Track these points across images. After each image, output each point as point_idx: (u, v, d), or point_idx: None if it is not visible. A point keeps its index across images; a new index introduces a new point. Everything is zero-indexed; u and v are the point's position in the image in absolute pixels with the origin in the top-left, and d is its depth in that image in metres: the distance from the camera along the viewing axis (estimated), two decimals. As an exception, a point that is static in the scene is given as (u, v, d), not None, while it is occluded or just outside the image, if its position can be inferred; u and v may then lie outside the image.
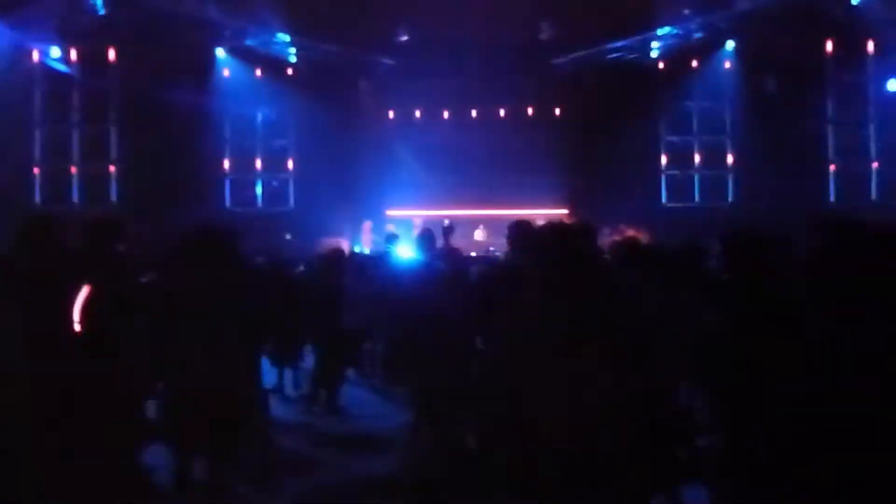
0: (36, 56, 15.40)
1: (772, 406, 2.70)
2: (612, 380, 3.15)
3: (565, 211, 15.24)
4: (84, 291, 4.34)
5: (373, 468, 5.89)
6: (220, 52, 16.31)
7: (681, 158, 17.22)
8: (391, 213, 16.32)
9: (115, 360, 4.38)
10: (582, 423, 3.14)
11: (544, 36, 15.74)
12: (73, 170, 16.46)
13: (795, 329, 2.72)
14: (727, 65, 16.34)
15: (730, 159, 16.97)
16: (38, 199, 16.16)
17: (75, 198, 16.42)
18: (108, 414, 4.25)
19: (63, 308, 4.29)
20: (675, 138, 17.19)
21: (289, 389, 8.51)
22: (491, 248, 13.89)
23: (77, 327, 4.29)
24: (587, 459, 3.15)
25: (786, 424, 2.65)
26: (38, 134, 16.28)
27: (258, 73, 16.62)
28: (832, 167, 16.38)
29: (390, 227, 14.64)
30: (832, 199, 16.23)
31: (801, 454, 2.57)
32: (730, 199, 16.83)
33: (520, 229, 4.82)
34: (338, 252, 8.91)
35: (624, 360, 3.20)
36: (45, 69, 15.65)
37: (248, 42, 16.15)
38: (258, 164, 17.31)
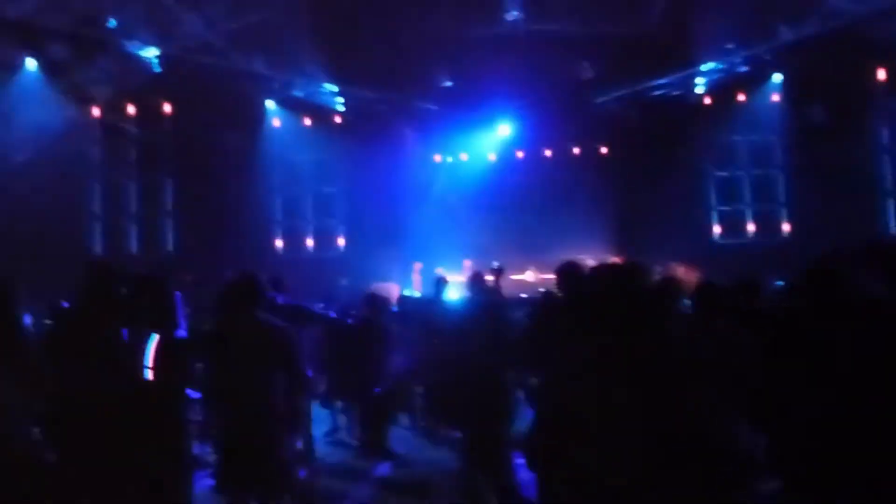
0: (95, 112, 15.98)
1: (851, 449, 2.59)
2: (657, 417, 3.07)
3: (615, 254, 15.12)
4: (154, 340, 4.47)
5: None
6: (270, 104, 16.74)
7: (731, 194, 17.00)
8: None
9: (180, 405, 4.49)
10: (627, 459, 3.07)
11: (586, 75, 15.79)
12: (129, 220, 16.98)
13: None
14: (774, 97, 16.11)
15: (782, 193, 16.68)
16: (98, 248, 16.67)
17: (133, 247, 16.91)
18: (168, 457, 4.34)
19: (132, 356, 4.41)
20: (724, 173, 16.98)
21: (343, 434, 8.51)
22: (541, 290, 13.79)
23: (149, 374, 4.41)
24: (635, 497, 3.07)
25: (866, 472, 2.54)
26: (96, 186, 16.85)
27: (306, 122, 17.01)
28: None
29: (439, 271, 14.68)
30: (890, 229, 15.74)
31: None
32: (784, 234, 16.48)
33: (569, 271, 4.80)
34: (385, 297, 8.98)
35: (671, 397, 3.13)
36: (103, 124, 16.22)
37: (296, 93, 16.57)
38: (308, 210, 17.64)
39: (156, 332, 4.50)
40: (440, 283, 9.49)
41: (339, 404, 8.59)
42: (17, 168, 14.28)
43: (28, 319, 5.64)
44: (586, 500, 3.21)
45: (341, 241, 17.52)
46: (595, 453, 3.09)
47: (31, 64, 14.13)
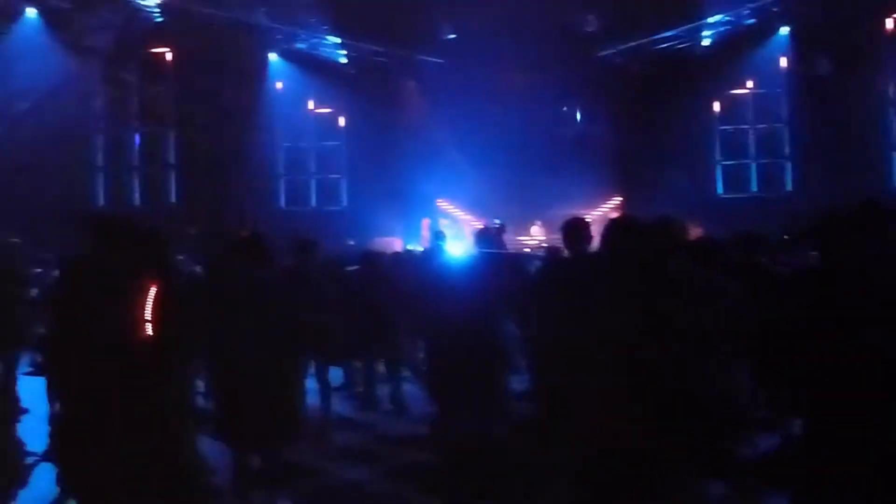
0: (96, 63, 15.86)
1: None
2: (653, 364, 3.13)
3: (616, 204, 15.11)
4: (152, 291, 4.50)
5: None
6: (272, 56, 16.59)
7: (736, 148, 16.91)
8: (441, 203, 16.36)
9: (182, 357, 4.54)
10: (623, 407, 3.12)
11: (591, 28, 15.59)
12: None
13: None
14: (782, 50, 15.92)
15: (787, 147, 16.59)
16: (100, 201, 16.70)
17: (136, 199, 16.94)
18: (169, 409, 4.41)
19: (134, 308, 4.45)
20: (729, 127, 16.87)
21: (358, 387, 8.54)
22: (545, 245, 13.83)
23: (149, 326, 4.45)
24: (628, 445, 3.14)
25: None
26: (99, 139, 16.81)
27: (309, 75, 16.85)
28: None
29: (443, 223, 14.70)
30: (896, 183, 15.67)
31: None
32: (788, 189, 16.43)
33: (574, 226, 4.80)
34: (384, 251, 8.98)
35: (667, 342, 3.18)
36: (104, 76, 16.12)
37: (299, 45, 16.41)
38: (311, 164, 17.61)
39: (155, 284, 4.53)
40: (438, 236, 9.47)
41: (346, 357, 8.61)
42: (17, 119, 14.25)
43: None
44: (588, 455, 3.26)
45: (344, 196, 17.50)
46: (603, 410, 3.14)
47: (31, 13, 13.99)
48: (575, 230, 4.78)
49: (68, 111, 14.89)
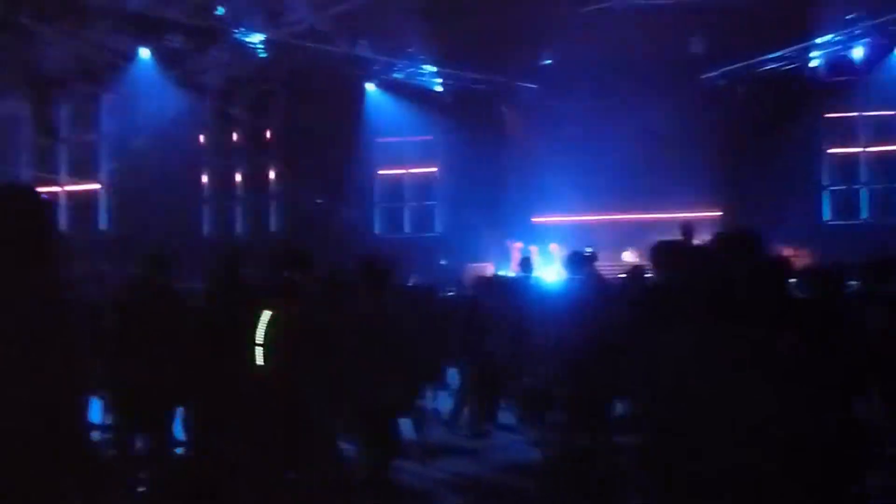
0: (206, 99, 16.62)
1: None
2: (778, 401, 2.91)
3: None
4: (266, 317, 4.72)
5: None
6: (370, 86, 16.97)
7: (845, 172, 16.13)
8: (537, 220, 16.26)
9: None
10: (745, 445, 2.92)
11: (694, 50, 15.25)
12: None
13: None
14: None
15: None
16: (206, 229, 17.40)
17: (238, 228, 17.58)
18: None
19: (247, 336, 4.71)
20: (838, 151, 16.12)
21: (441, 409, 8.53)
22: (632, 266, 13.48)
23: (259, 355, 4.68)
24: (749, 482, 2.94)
25: None
26: (206, 170, 17.56)
27: (406, 103, 17.10)
28: None
29: (533, 249, 14.53)
30: None
31: None
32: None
33: (665, 249, 4.59)
34: (481, 276, 8.99)
35: (792, 379, 2.96)
36: (211, 111, 16.85)
37: (396, 75, 16.73)
38: (407, 191, 17.86)
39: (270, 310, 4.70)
40: (525, 262, 9.41)
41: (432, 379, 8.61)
42: (135, 155, 15.11)
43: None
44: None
45: (439, 223, 17.62)
46: (717, 441, 2.95)
47: (144, 54, 14.80)
48: (666, 252, 4.52)
49: (180, 146, 15.66)
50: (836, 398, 3.14)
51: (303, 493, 4.87)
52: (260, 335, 4.64)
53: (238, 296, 5.12)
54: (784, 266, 3.34)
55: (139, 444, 5.64)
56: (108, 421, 6.07)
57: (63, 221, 15.93)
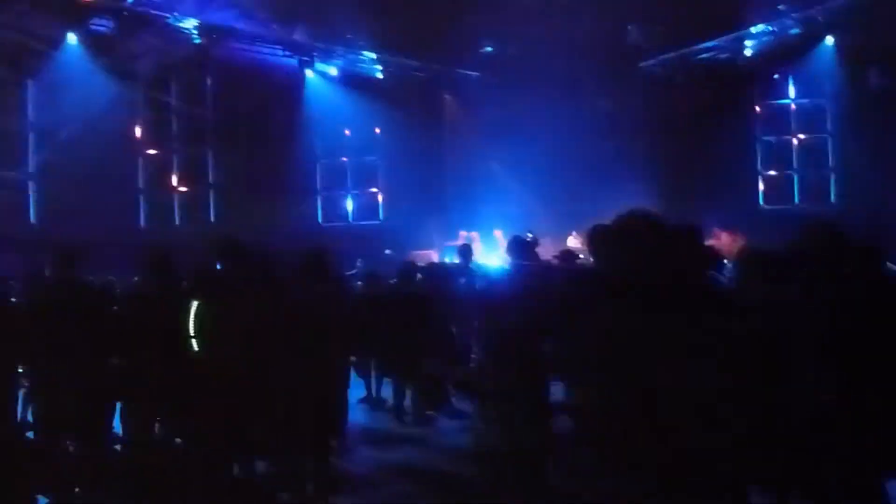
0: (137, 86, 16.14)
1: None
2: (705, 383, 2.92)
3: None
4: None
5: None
6: (309, 73, 16.72)
7: (779, 159, 16.55)
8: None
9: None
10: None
11: (631, 39, 15.44)
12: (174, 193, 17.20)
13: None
14: (827, 60, 15.56)
15: (831, 159, 16.19)
16: (142, 221, 16.93)
17: (176, 220, 17.15)
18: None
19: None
20: (771, 138, 16.53)
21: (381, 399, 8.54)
22: (581, 256, 13.60)
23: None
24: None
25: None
26: (140, 161, 17.06)
27: (346, 91, 16.92)
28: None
29: (473, 235, 14.53)
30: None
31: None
32: (832, 201, 16.01)
33: (599, 236, 4.54)
34: (416, 264, 8.99)
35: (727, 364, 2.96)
36: (146, 98, 16.36)
37: (335, 62, 16.51)
38: (350, 179, 17.67)
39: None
40: (465, 249, 9.43)
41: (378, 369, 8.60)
42: (62, 144, 14.56)
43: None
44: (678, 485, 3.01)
45: (381, 211, 17.51)
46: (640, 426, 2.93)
47: (72, 39, 14.26)
48: (600, 238, 4.48)
49: (111, 136, 15.15)
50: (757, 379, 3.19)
51: (244, 483, 4.81)
52: (191, 326, 4.55)
53: (170, 287, 4.99)
54: (708, 255, 3.40)
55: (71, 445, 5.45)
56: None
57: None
